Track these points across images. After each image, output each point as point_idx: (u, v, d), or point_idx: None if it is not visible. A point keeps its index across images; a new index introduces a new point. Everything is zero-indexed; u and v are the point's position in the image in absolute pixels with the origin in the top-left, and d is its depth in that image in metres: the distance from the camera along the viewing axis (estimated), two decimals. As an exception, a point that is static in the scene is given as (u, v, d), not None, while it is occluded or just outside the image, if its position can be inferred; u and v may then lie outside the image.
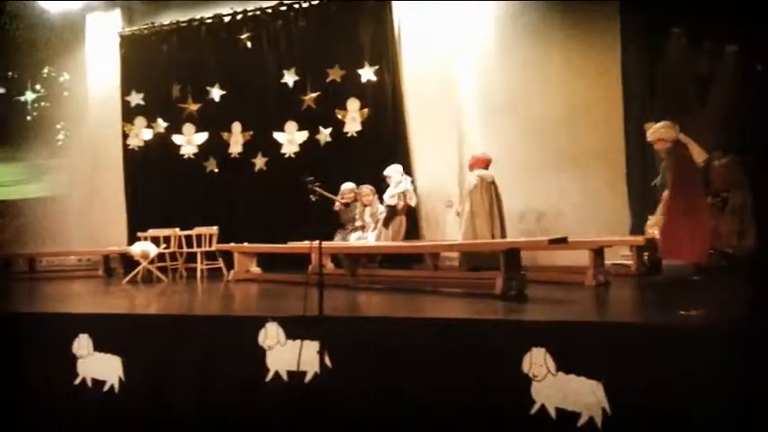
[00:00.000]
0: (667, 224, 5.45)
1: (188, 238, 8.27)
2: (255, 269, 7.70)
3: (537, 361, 3.46)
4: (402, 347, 3.95)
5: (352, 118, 8.67)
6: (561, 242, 5.09)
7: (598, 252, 5.66)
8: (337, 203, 7.73)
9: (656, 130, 5.76)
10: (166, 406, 4.37)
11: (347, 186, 7.90)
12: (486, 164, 7.17)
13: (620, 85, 7.67)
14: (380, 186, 7.84)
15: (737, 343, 3.25)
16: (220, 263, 8.12)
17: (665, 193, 5.69)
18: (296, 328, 4.12)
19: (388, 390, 3.88)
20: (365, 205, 7.83)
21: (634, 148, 7.64)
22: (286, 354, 4.12)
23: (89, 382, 4.60)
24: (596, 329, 3.61)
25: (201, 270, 8.08)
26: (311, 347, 3.90)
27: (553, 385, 3.41)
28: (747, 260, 6.02)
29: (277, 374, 4.15)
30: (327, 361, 3.91)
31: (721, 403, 3.09)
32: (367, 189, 7.84)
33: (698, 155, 5.68)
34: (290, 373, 4.10)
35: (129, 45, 9.91)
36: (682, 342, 3.33)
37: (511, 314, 4.28)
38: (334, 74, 8.74)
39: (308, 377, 4.04)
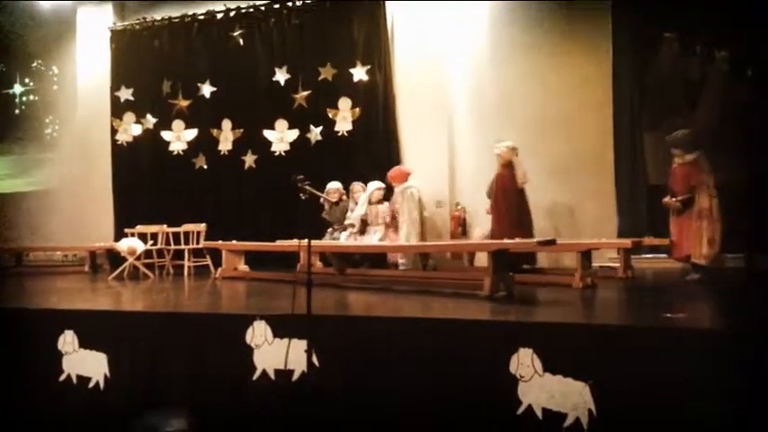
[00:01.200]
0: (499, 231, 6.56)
1: (175, 234, 8.23)
2: (243, 267, 7.65)
3: (524, 361, 3.47)
4: (390, 347, 3.95)
5: (344, 117, 8.66)
6: (550, 244, 5.11)
7: (586, 254, 5.69)
8: (327, 204, 7.69)
9: (499, 148, 6.84)
10: (152, 404, 4.34)
11: (333, 186, 7.88)
12: (408, 177, 7.45)
13: (610, 89, 7.72)
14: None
15: (722, 345, 3.28)
16: (208, 260, 8.09)
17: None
18: (284, 327, 4.11)
19: (374, 389, 3.88)
20: (357, 203, 7.79)
21: (623, 152, 7.71)
22: (273, 352, 4.12)
23: (74, 379, 4.57)
24: (583, 331, 3.63)
25: (189, 267, 8.04)
26: (299, 346, 3.88)
27: (540, 386, 3.43)
28: (722, 270, 5.86)
29: (264, 373, 4.14)
30: (315, 360, 3.90)
31: (707, 405, 3.12)
32: (359, 186, 7.82)
33: (520, 178, 6.77)
34: (277, 371, 4.09)
35: (120, 40, 9.84)
36: (667, 344, 3.35)
37: (499, 315, 4.29)
38: (326, 73, 8.72)
39: (296, 376, 4.03)
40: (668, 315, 3.73)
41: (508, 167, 6.87)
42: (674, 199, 5.99)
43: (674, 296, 5.18)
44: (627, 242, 6.24)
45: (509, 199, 6.85)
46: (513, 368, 3.51)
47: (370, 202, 7.57)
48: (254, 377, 4.17)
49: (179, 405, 4.20)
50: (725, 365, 3.17)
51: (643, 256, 7.29)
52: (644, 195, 7.63)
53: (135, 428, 4.09)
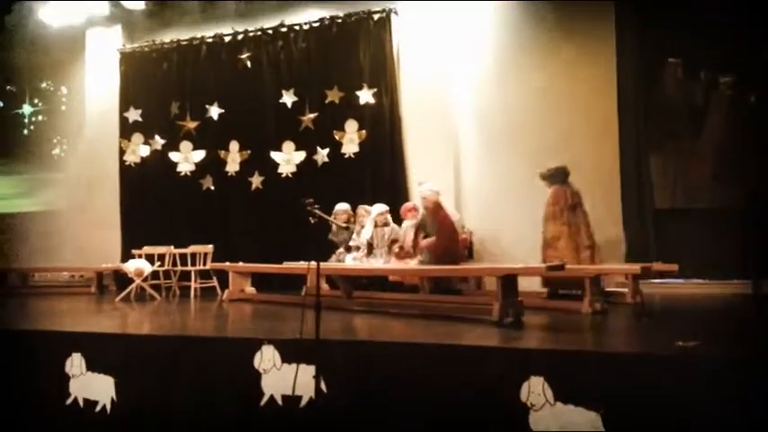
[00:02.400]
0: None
1: (182, 256, 8.23)
2: (250, 289, 7.65)
3: (535, 390, 3.45)
4: (398, 373, 3.93)
5: (350, 139, 8.69)
6: (559, 269, 5.09)
7: (594, 280, 5.66)
8: (334, 226, 7.71)
9: (423, 192, 6.93)
10: (158, 428, 4.32)
11: (341, 207, 7.88)
12: (418, 212, 7.45)
13: (615, 113, 7.74)
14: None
15: (735, 374, 3.25)
16: (214, 282, 8.07)
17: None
18: (292, 352, 4.10)
19: (382, 416, 3.85)
20: (363, 226, 7.81)
21: (629, 176, 7.70)
22: (281, 378, 4.09)
23: (81, 402, 4.55)
24: (595, 359, 3.61)
25: (195, 289, 8.03)
26: (307, 372, 3.86)
27: (551, 415, 3.40)
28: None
29: (272, 398, 4.12)
30: (323, 386, 3.88)
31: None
32: (363, 210, 7.83)
33: (453, 214, 7.07)
34: (284, 397, 4.07)
35: (129, 61, 9.94)
36: (680, 373, 3.33)
37: (508, 341, 4.27)
38: (333, 95, 8.77)
39: (303, 402, 4.00)
40: (681, 343, 3.70)
41: (437, 208, 6.91)
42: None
43: (684, 323, 5.15)
44: (636, 268, 6.20)
45: (455, 231, 6.97)
46: (523, 396, 3.48)
47: (375, 225, 7.57)
48: (262, 403, 4.15)
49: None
50: (739, 394, 3.15)
51: (651, 281, 7.24)
52: (651, 219, 7.63)
53: None
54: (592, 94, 7.89)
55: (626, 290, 6.32)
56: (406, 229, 7.46)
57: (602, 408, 3.29)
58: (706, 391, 3.20)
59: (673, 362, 3.46)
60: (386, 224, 7.57)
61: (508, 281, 5.03)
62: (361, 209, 7.87)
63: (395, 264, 7.31)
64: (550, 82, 8.06)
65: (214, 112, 9.41)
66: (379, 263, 7.38)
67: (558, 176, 6.78)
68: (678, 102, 7.83)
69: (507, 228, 7.94)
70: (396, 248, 7.35)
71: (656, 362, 3.51)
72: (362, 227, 7.80)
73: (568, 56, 7.99)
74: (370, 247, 7.55)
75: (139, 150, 9.75)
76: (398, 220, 7.66)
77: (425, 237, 7.03)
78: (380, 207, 7.61)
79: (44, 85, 10.98)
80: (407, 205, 7.67)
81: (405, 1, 8.58)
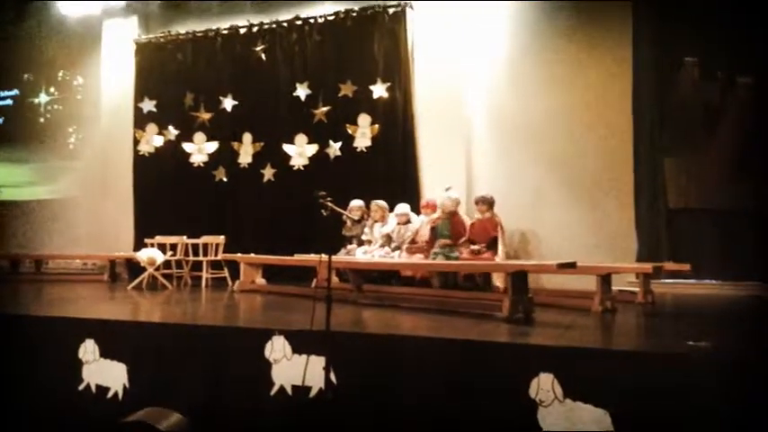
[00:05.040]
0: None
1: (194, 246, 8.29)
2: (261, 280, 7.71)
3: (544, 386, 3.45)
4: (408, 367, 3.95)
5: (363, 133, 8.70)
6: (570, 267, 5.08)
7: (605, 278, 5.64)
8: (348, 221, 7.76)
9: (452, 197, 7.40)
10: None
11: (356, 203, 7.91)
12: (437, 208, 7.57)
13: (631, 112, 7.70)
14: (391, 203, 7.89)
15: (745, 374, 3.24)
16: (226, 272, 8.13)
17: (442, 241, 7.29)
18: (302, 343, 4.12)
19: (391, 409, 3.88)
20: (376, 221, 7.84)
21: (642, 177, 7.66)
22: (292, 368, 4.12)
23: (93, 388, 4.60)
24: (605, 357, 3.61)
25: (206, 279, 8.08)
26: (317, 363, 3.89)
27: (560, 412, 3.40)
28: None
29: (282, 389, 4.15)
30: (333, 377, 3.90)
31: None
32: (376, 205, 7.86)
33: (465, 219, 7.55)
34: (294, 387, 4.10)
35: (145, 52, 9.99)
36: (690, 372, 3.32)
37: (518, 337, 4.28)
38: (347, 89, 8.78)
39: (313, 392, 4.03)
40: (691, 342, 3.69)
41: (455, 214, 7.34)
42: (474, 246, 7.10)
43: (695, 322, 5.12)
44: (647, 267, 6.18)
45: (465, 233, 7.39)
46: (532, 393, 3.49)
47: (397, 222, 7.67)
48: (272, 392, 4.18)
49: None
50: (749, 394, 3.14)
51: (662, 280, 7.21)
52: (663, 219, 7.59)
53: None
54: (607, 92, 7.84)
55: (637, 289, 6.30)
56: (423, 224, 7.50)
57: (610, 406, 3.29)
58: (716, 390, 3.19)
59: (683, 361, 3.46)
60: (407, 222, 7.64)
61: (518, 277, 5.02)
62: (375, 204, 7.89)
63: (406, 258, 7.34)
64: (565, 80, 8.02)
65: (228, 103, 9.45)
66: (393, 257, 7.43)
67: (493, 203, 7.35)
68: (694, 102, 7.76)
69: (518, 224, 7.93)
70: (407, 243, 7.40)
71: (666, 360, 3.50)
72: (375, 221, 7.84)
73: (584, 55, 7.95)
74: (389, 240, 7.61)
75: (153, 141, 9.81)
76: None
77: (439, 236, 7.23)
78: (403, 207, 7.72)
79: (60, 74, 11.07)
80: (429, 201, 7.71)
81: (420, -4, 8.57)
